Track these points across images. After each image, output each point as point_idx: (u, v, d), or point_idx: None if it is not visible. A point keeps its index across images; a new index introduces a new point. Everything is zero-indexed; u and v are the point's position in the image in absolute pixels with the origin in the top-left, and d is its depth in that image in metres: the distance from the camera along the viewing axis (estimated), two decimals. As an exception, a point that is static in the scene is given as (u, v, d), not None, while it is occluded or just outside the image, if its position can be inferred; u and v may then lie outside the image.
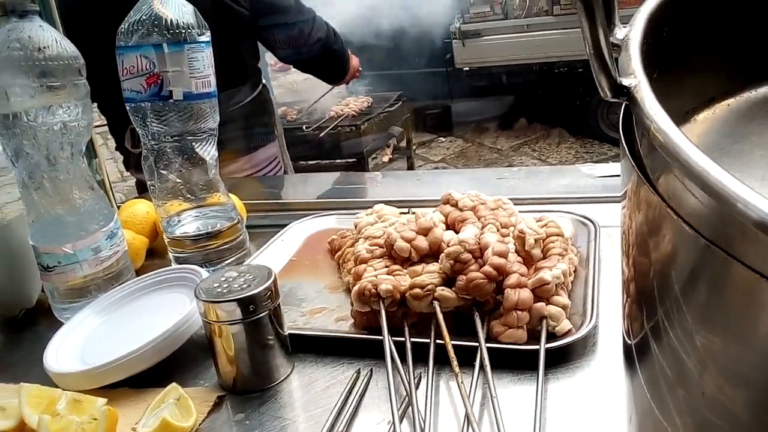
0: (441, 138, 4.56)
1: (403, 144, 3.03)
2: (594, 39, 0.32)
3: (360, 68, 1.79)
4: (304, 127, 2.47)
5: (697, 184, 0.26)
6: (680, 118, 0.45)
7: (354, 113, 2.51)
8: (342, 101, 2.64)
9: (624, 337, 0.42)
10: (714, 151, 0.43)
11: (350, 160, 2.46)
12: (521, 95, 4.33)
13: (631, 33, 0.37)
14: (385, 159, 3.91)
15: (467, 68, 4.37)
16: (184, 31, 0.73)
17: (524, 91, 4.23)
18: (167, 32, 0.73)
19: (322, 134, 2.40)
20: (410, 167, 3.19)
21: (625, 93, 0.33)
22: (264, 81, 1.51)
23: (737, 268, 0.26)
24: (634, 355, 0.39)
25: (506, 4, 4.12)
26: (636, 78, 0.33)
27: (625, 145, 0.37)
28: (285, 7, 1.37)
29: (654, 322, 0.34)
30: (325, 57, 1.44)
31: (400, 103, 2.77)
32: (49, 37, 0.70)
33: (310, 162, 2.52)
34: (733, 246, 0.26)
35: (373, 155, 3.05)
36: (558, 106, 4.06)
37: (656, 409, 0.36)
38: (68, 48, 0.72)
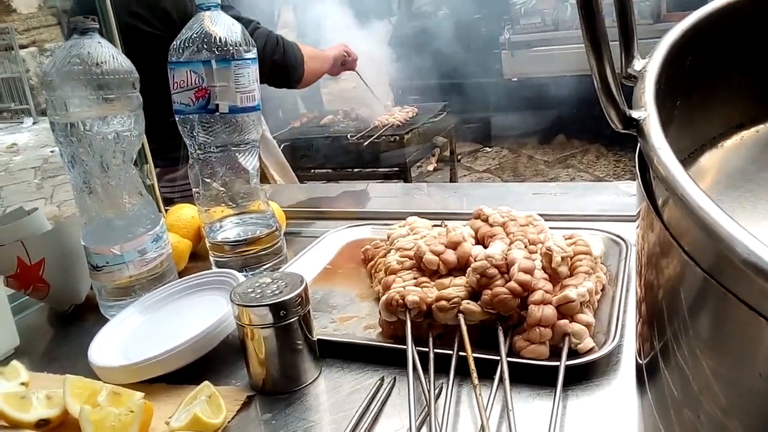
0: (486, 148, 4.54)
1: (447, 153, 3.04)
2: (601, 74, 0.33)
3: (348, 52, 1.83)
4: (348, 136, 2.51)
5: (691, 219, 0.27)
6: (708, 143, 0.46)
7: (399, 123, 2.54)
8: (388, 111, 2.68)
9: (636, 357, 0.43)
10: (738, 178, 0.44)
11: (393, 169, 2.48)
12: (569, 107, 4.27)
13: (649, 65, 0.38)
14: (430, 168, 3.92)
15: (515, 79, 4.35)
16: (231, 48, 0.77)
17: (572, 104, 4.17)
18: (216, 49, 0.77)
19: (366, 143, 2.44)
20: (453, 177, 3.19)
21: (634, 125, 0.34)
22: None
23: (732, 301, 0.27)
24: (645, 375, 0.40)
25: (557, 15, 4.09)
26: (646, 111, 0.34)
27: (638, 170, 0.38)
28: None
29: (663, 343, 0.35)
30: (266, 68, 1.47)
31: (445, 113, 2.78)
32: (106, 53, 0.75)
33: (354, 170, 2.56)
34: (727, 279, 0.27)
35: (418, 164, 3.06)
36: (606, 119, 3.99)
37: (663, 429, 0.37)
38: (124, 63, 0.76)
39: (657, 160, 0.30)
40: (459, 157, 3.94)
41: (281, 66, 1.53)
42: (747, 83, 0.45)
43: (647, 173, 0.37)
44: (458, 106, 3.43)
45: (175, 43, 0.78)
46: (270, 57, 1.48)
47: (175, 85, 0.79)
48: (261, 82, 1.53)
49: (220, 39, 0.76)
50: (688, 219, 0.27)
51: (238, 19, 1.41)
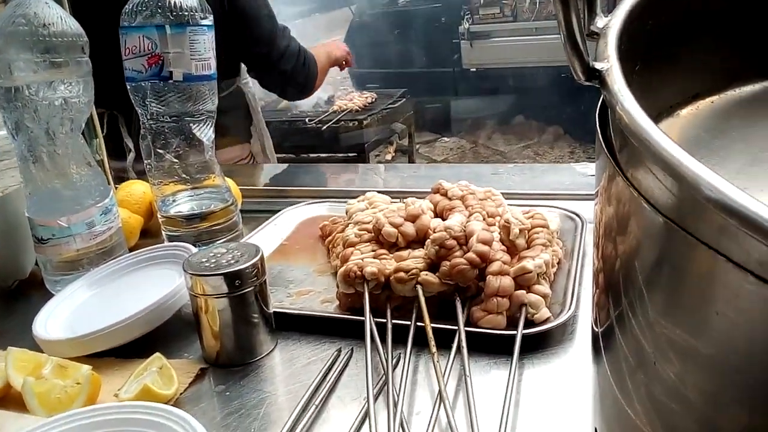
0: (444, 138, 4.55)
1: (405, 141, 3.04)
2: (567, 23, 0.33)
3: (348, 56, 1.77)
4: (306, 120, 2.48)
5: (654, 161, 0.27)
6: (664, 112, 0.46)
7: (358, 108, 2.53)
8: (347, 96, 2.67)
9: (592, 326, 0.43)
10: (693, 145, 0.44)
11: (351, 154, 2.47)
12: (526, 97, 4.32)
13: (611, 21, 0.38)
14: (388, 157, 3.91)
15: (474, 69, 4.37)
16: (186, 13, 0.75)
17: (530, 94, 4.22)
18: (170, 14, 0.74)
19: (325, 127, 2.42)
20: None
21: (597, 76, 0.34)
22: (240, 83, 1.51)
23: (693, 246, 0.27)
24: (601, 342, 0.40)
25: (516, 6, 4.12)
26: (609, 62, 0.34)
27: (600, 136, 0.38)
28: (258, 32, 1.39)
29: (619, 310, 0.35)
30: (285, 85, 1.51)
31: (404, 100, 2.78)
32: (54, 14, 0.71)
33: (311, 155, 2.53)
34: (688, 223, 0.27)
35: (376, 152, 3.05)
36: (562, 109, 4.05)
37: (618, 392, 0.37)
38: (73, 26, 0.73)
39: (620, 107, 0.30)
40: (417, 146, 3.95)
41: (303, 85, 1.52)
42: (703, 53, 0.45)
43: (608, 129, 0.37)
44: (417, 95, 3.43)
45: (127, 6, 0.75)
46: (297, 77, 1.47)
47: (127, 51, 0.76)
48: (275, 92, 1.51)
49: (174, 3, 0.74)
50: (650, 159, 0.27)
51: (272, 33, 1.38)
